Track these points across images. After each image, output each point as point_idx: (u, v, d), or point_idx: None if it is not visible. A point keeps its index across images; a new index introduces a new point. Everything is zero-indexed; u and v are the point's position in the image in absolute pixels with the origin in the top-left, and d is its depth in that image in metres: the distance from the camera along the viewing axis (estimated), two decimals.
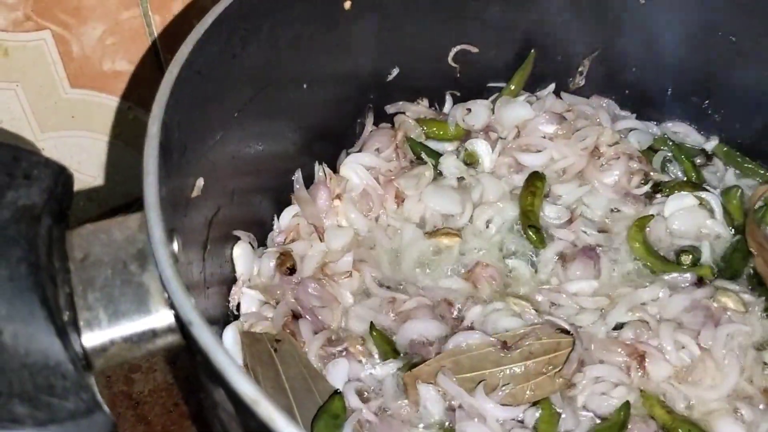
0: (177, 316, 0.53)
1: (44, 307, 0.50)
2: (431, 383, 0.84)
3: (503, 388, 0.84)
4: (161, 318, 0.55)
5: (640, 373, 0.86)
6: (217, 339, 0.50)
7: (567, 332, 0.87)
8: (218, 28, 0.76)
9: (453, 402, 0.84)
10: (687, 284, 0.94)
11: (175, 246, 0.60)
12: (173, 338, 0.55)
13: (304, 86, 0.95)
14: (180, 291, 0.52)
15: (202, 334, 0.50)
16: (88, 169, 1.12)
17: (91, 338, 0.54)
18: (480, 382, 0.84)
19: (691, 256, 0.96)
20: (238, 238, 0.92)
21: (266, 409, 0.46)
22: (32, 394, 0.48)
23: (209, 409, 0.64)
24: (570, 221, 1.00)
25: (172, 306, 0.54)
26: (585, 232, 0.99)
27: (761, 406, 0.85)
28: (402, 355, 0.89)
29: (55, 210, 0.58)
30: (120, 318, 0.54)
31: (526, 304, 0.91)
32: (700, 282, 0.94)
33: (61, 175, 0.60)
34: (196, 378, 0.69)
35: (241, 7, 0.79)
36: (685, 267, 0.95)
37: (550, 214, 1.01)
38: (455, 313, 0.93)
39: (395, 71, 1.05)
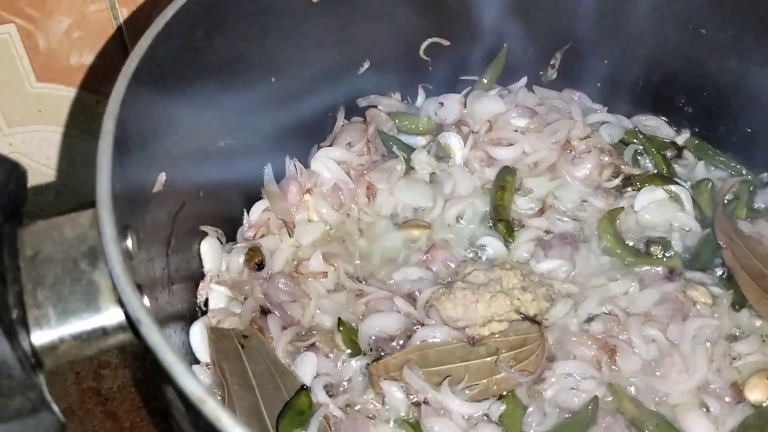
0: (127, 314, 0.53)
1: None
2: (395, 379, 0.84)
3: (468, 382, 0.84)
4: (112, 316, 0.54)
5: (611, 367, 0.86)
6: (165, 337, 0.49)
7: (535, 322, 0.87)
8: (180, 21, 0.75)
9: (418, 397, 0.84)
10: (658, 277, 0.94)
11: (129, 242, 0.59)
12: (125, 336, 0.54)
13: (273, 80, 0.94)
14: (129, 289, 0.51)
15: (151, 333, 0.49)
16: (57, 164, 1.11)
17: (40, 336, 0.53)
18: (446, 378, 0.84)
19: (661, 247, 0.96)
20: (205, 234, 0.92)
21: (213, 408, 0.46)
22: None
23: (167, 406, 0.64)
24: (542, 211, 1.00)
25: (122, 304, 0.53)
26: (560, 220, 0.99)
27: (728, 399, 0.85)
28: (369, 350, 0.88)
29: (7, 207, 0.57)
30: (69, 316, 0.54)
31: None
32: (670, 275, 0.94)
33: (14, 171, 0.59)
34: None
35: (203, 0, 0.78)
36: (655, 258, 0.95)
37: (522, 205, 1.01)
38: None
39: (366, 64, 1.05)
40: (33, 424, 0.48)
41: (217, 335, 0.85)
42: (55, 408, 0.50)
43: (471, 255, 0.98)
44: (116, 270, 0.52)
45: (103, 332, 0.54)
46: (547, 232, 0.99)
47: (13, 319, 0.52)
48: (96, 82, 1.05)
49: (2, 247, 0.55)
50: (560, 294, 0.93)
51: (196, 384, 0.47)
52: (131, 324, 0.52)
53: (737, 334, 0.90)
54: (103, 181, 0.58)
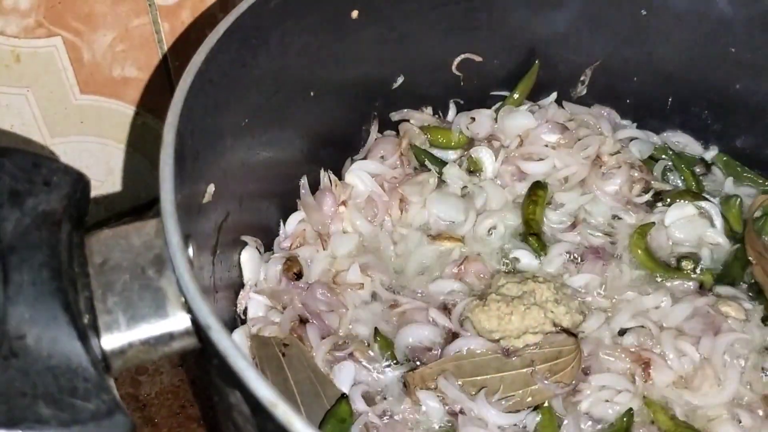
0: (194, 321, 0.55)
1: (66, 311, 0.51)
2: (431, 389, 0.85)
3: (503, 393, 0.85)
4: (178, 321, 0.56)
5: (645, 380, 0.88)
6: (235, 343, 0.51)
7: (571, 334, 0.88)
8: (230, 38, 0.77)
9: (454, 406, 0.85)
10: (689, 292, 0.96)
11: (191, 251, 0.61)
12: (189, 341, 0.56)
13: (312, 94, 0.96)
14: (197, 295, 0.53)
15: (221, 338, 0.51)
16: (96, 174, 1.13)
17: (110, 341, 0.55)
18: (482, 388, 0.85)
19: (691, 262, 0.97)
20: (245, 243, 0.94)
21: (285, 412, 0.48)
22: (56, 396, 0.49)
23: (223, 411, 0.65)
24: (573, 226, 1.02)
25: (189, 310, 0.55)
26: (592, 234, 1.01)
27: (761, 413, 0.86)
28: (405, 360, 0.90)
29: (74, 215, 0.59)
30: (138, 321, 0.55)
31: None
32: (701, 290, 0.95)
33: (80, 181, 0.61)
34: (209, 380, 0.71)
35: (252, 17, 0.80)
36: (686, 273, 0.97)
37: (553, 218, 1.03)
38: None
39: (400, 79, 1.07)
40: (108, 426, 0.49)
41: (258, 343, 0.87)
42: (126, 410, 0.51)
43: (503, 268, 1.00)
44: (185, 278, 0.54)
45: (170, 337, 0.56)
46: (579, 246, 1.00)
47: (85, 324, 0.54)
48: (137, 95, 1.07)
49: (72, 255, 0.56)
50: (592, 307, 0.94)
51: (267, 388, 0.49)
52: (198, 329, 0.54)
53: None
54: (167, 190, 0.60)
